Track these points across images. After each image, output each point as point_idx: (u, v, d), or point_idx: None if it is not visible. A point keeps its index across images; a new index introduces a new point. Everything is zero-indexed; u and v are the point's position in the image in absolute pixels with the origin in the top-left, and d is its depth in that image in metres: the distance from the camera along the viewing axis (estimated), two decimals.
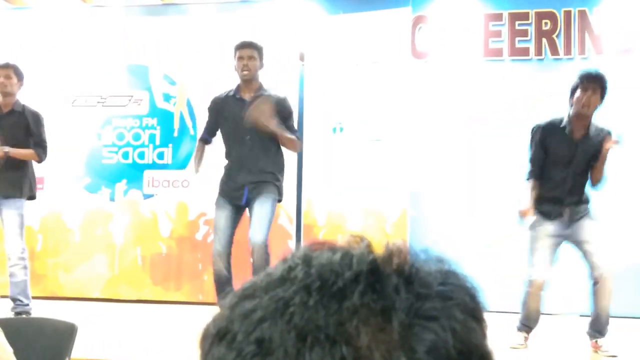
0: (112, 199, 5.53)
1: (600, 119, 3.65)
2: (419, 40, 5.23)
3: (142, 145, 5.54)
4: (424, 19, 5.25)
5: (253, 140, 3.97)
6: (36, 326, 2.37)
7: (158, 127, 5.53)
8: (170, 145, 5.51)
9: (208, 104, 5.31)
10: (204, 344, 0.46)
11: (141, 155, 5.53)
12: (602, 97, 3.50)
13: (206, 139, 4.26)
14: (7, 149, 4.34)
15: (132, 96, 5.58)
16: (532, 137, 3.70)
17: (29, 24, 5.75)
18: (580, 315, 4.15)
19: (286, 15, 5.40)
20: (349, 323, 0.41)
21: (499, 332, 3.46)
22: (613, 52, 4.94)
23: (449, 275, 0.45)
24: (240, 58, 4.05)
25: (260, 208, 4.00)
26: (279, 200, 4.18)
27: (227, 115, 4.12)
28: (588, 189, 3.66)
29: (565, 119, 3.58)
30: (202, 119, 5.37)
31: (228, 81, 5.16)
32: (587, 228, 3.61)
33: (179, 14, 5.61)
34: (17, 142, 4.41)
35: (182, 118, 5.52)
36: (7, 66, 4.48)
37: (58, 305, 5.07)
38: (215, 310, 0.49)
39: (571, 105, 3.54)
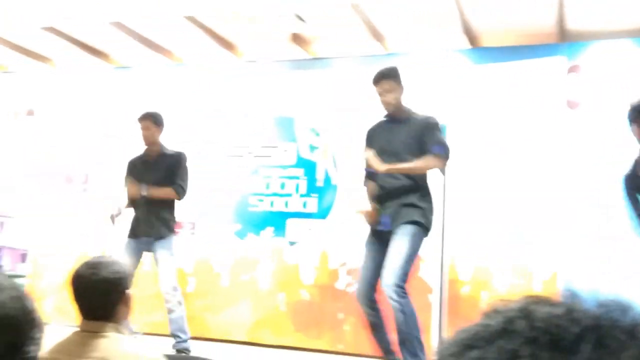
0: (258, 246, 5.73)
1: None
2: (572, 90, 5.02)
3: (288, 195, 5.72)
4: (577, 68, 5.04)
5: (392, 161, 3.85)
6: None
7: (303, 177, 5.70)
8: (314, 194, 5.64)
9: (350, 154, 5.42)
10: None
11: (286, 204, 5.72)
12: None
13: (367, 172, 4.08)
14: (144, 191, 4.65)
15: (278, 147, 5.82)
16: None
17: (188, 79, 6.20)
18: None
19: (431, 66, 5.41)
20: None
21: None
22: None
23: None
24: (379, 94, 3.99)
25: (395, 243, 3.78)
26: (426, 229, 3.86)
27: (376, 140, 4.05)
28: None
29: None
30: (345, 169, 5.49)
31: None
32: None
33: (325, 67, 5.79)
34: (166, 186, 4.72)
35: (326, 168, 5.66)
36: (144, 117, 4.81)
37: (205, 345, 5.29)
38: None
39: None
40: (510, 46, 5.27)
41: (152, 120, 4.79)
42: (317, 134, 5.71)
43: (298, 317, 5.53)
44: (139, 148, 4.99)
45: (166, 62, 6.33)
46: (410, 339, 3.71)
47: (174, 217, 4.81)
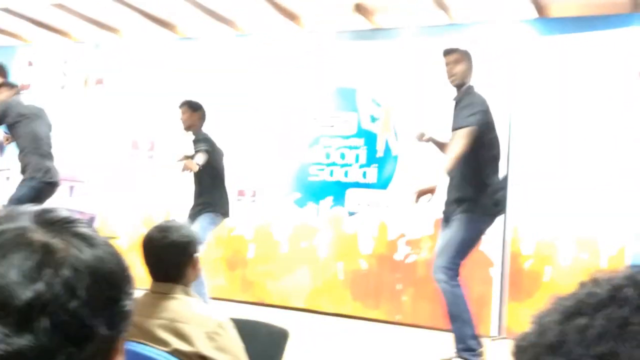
0: (317, 215, 5.80)
1: None
2: None
3: (347, 165, 5.75)
4: None
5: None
6: (252, 328, 2.53)
7: (363, 148, 5.70)
8: (373, 165, 5.65)
9: (412, 125, 5.37)
10: (524, 355, 0.49)
11: (346, 174, 5.74)
12: None
13: None
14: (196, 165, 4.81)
15: (340, 117, 5.83)
16: None
17: (251, 49, 6.26)
18: None
19: (496, 38, 5.28)
20: None
21: None
22: None
23: None
24: (446, 64, 3.97)
25: (450, 229, 3.89)
26: (483, 214, 3.89)
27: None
28: None
29: None
30: (406, 140, 5.46)
31: (433, 103, 5.22)
32: None
33: (387, 38, 5.73)
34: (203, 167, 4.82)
35: (386, 139, 5.64)
36: (182, 104, 5.04)
37: (265, 311, 5.43)
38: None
39: None
40: (580, 16, 5.09)
41: (188, 106, 5.01)
42: (379, 105, 5.69)
43: (356, 287, 5.59)
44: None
45: (230, 32, 6.39)
46: (457, 322, 3.78)
47: (211, 200, 4.93)
